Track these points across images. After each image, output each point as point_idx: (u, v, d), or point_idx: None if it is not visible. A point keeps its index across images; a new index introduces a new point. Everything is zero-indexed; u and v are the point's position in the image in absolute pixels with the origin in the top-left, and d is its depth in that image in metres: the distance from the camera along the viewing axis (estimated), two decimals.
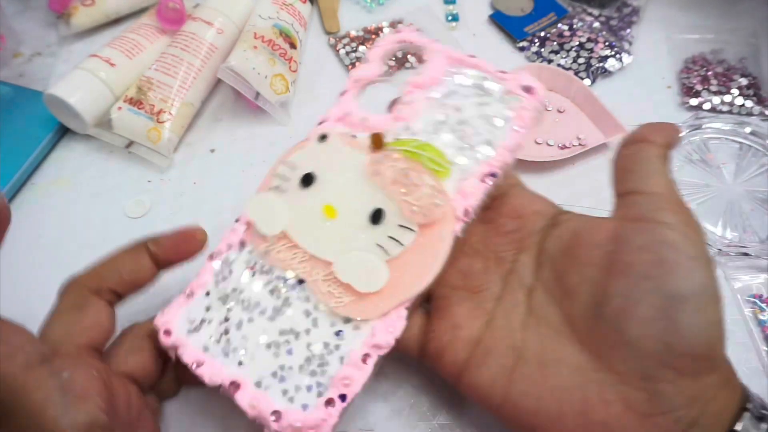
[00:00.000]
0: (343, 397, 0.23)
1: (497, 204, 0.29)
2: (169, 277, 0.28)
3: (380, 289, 0.25)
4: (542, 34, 0.48)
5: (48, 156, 0.41)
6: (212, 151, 0.42)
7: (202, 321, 0.26)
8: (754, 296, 0.35)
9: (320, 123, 0.30)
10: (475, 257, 0.29)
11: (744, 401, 0.23)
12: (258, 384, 0.24)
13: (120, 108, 0.40)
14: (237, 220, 0.28)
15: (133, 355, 0.26)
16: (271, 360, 0.25)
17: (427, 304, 0.29)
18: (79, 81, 0.40)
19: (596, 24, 0.49)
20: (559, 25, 0.49)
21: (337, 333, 0.25)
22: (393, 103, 0.30)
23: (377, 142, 0.28)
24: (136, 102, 0.40)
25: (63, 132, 0.42)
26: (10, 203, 0.39)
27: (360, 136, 0.29)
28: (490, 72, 0.30)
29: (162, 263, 0.28)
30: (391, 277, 0.25)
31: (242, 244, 0.27)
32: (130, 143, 0.41)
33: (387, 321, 0.25)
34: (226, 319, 0.26)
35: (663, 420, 0.22)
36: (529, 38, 0.48)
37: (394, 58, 0.46)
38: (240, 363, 0.25)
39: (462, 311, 0.27)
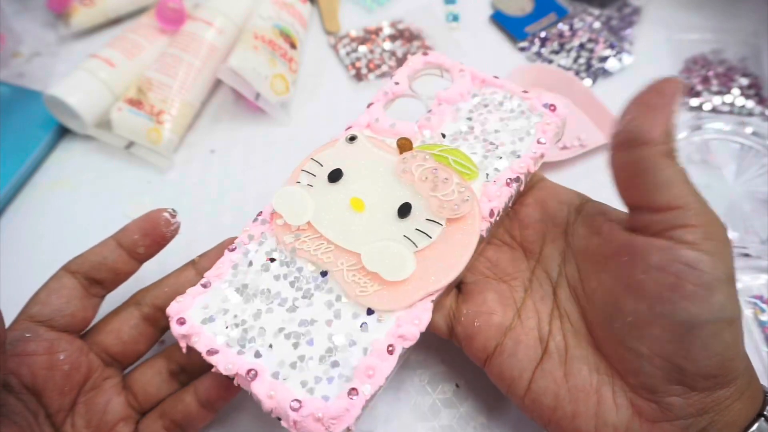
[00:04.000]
0: (366, 388, 0.23)
1: (522, 197, 0.30)
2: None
3: (407, 279, 0.25)
4: (543, 34, 0.48)
5: (48, 156, 0.41)
6: (212, 151, 0.42)
7: (218, 311, 0.25)
8: (755, 297, 0.35)
9: (348, 128, 0.30)
10: (502, 248, 0.29)
11: (763, 407, 0.23)
12: (275, 374, 0.23)
13: (120, 108, 0.40)
14: (259, 214, 0.28)
15: (144, 372, 0.28)
16: (290, 350, 0.24)
17: (456, 287, 0.29)
18: (79, 81, 0.40)
19: (597, 24, 0.49)
20: (560, 25, 0.49)
21: (361, 325, 0.24)
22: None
23: (405, 146, 0.28)
24: (136, 102, 0.40)
25: (63, 132, 0.42)
26: (10, 203, 0.39)
27: (388, 140, 0.29)
28: (513, 91, 0.31)
29: (135, 253, 0.27)
30: (418, 269, 0.25)
31: (264, 237, 0.27)
32: (130, 144, 0.40)
33: (413, 312, 0.24)
34: (243, 311, 0.25)
35: (671, 427, 0.22)
36: (530, 38, 0.48)
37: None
38: (257, 353, 0.24)
39: (494, 297, 0.27)
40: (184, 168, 0.41)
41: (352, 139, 0.29)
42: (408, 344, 0.24)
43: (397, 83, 0.32)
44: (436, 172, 0.27)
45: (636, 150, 0.22)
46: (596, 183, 0.40)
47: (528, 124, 0.30)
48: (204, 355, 0.24)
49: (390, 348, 0.24)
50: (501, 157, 0.29)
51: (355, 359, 0.24)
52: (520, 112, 0.30)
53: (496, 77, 0.32)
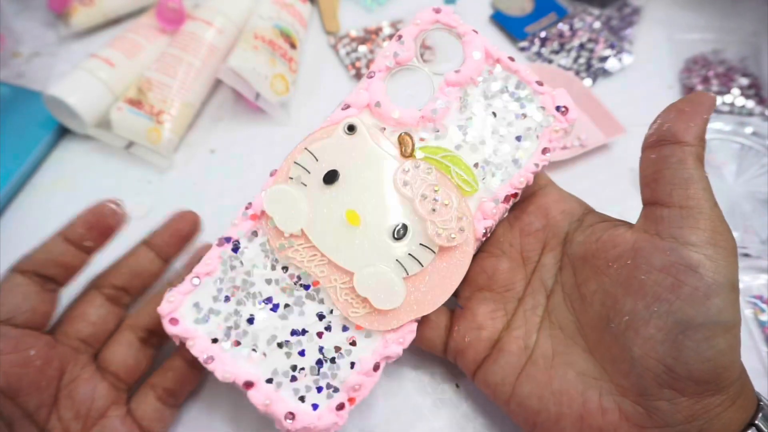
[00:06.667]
0: (351, 401, 0.24)
1: (525, 203, 0.29)
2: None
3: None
4: (543, 34, 0.48)
5: (48, 156, 0.41)
6: (212, 151, 0.42)
7: (210, 311, 0.25)
8: (755, 297, 0.35)
9: (346, 106, 0.27)
10: (501, 258, 0.29)
11: (755, 416, 0.22)
12: (269, 381, 0.24)
13: (120, 108, 0.40)
14: (248, 206, 0.27)
15: (114, 348, 0.28)
16: (283, 360, 0.25)
17: (453, 298, 0.29)
18: (79, 81, 0.40)
19: (597, 24, 0.49)
20: (560, 25, 0.49)
21: (350, 342, 0.25)
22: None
23: (406, 143, 0.27)
24: (135, 102, 0.40)
25: (62, 132, 0.42)
26: (10, 203, 0.39)
27: (388, 131, 0.27)
28: (527, 81, 0.28)
29: (164, 253, 0.29)
30: (407, 294, 0.25)
31: (254, 234, 0.26)
32: (130, 144, 0.40)
33: (399, 333, 0.25)
34: (236, 312, 0.25)
35: None
36: (530, 38, 0.48)
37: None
38: (251, 360, 0.25)
39: (485, 311, 0.28)
40: (184, 168, 0.41)
41: (351, 128, 0.27)
42: (392, 361, 0.25)
43: (402, 45, 0.28)
44: (437, 195, 0.26)
45: (667, 147, 0.23)
46: (596, 183, 0.41)
47: (535, 126, 0.28)
48: (201, 361, 0.25)
49: (376, 365, 0.25)
50: (502, 165, 0.27)
51: (344, 373, 0.25)
52: (530, 110, 0.28)
53: (511, 58, 0.28)
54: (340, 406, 0.24)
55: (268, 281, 0.26)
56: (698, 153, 0.23)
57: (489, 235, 0.27)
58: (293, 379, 0.24)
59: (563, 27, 0.48)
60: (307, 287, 0.26)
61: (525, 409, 0.25)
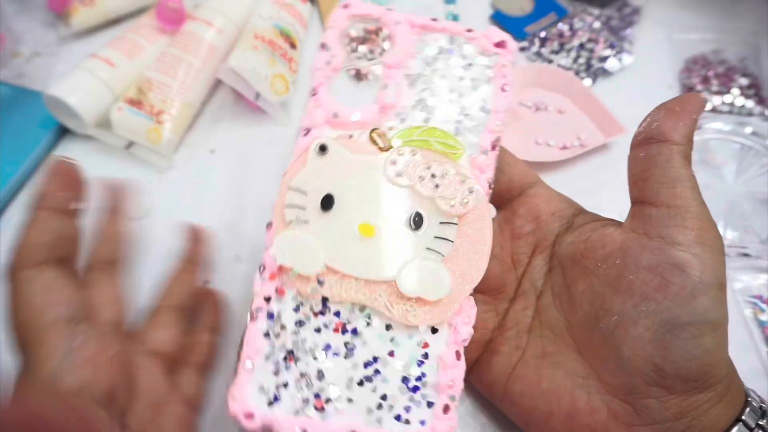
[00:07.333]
0: (453, 398, 0.23)
1: (515, 205, 0.28)
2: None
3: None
4: (543, 34, 0.48)
5: (48, 156, 0.41)
6: (212, 151, 0.42)
7: (278, 387, 0.24)
8: (755, 297, 0.35)
9: (306, 131, 0.27)
10: (493, 261, 0.29)
11: (742, 412, 0.22)
12: (368, 422, 0.23)
13: (120, 108, 0.40)
14: (262, 269, 0.25)
15: (157, 330, 0.27)
16: (370, 395, 0.24)
17: None
18: (79, 81, 0.40)
19: (597, 24, 0.49)
20: (560, 25, 0.49)
21: (422, 344, 0.24)
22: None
23: (382, 141, 0.27)
24: (136, 102, 0.40)
25: (62, 132, 0.42)
26: (9, 204, 0.39)
27: (356, 135, 0.27)
28: (458, 32, 0.28)
29: (71, 211, 0.25)
30: (452, 273, 0.25)
31: (281, 293, 0.25)
32: (130, 144, 0.40)
33: (462, 313, 0.25)
34: (302, 375, 0.24)
35: (647, 431, 0.22)
36: (530, 38, 0.48)
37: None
38: (341, 413, 0.23)
39: (477, 313, 0.27)
40: (184, 168, 0.41)
41: (323, 149, 0.26)
42: (468, 343, 0.24)
43: (329, 51, 0.28)
44: (432, 170, 0.26)
45: (654, 146, 0.23)
46: (596, 183, 0.41)
47: (483, 69, 0.28)
48: None
49: (457, 354, 0.24)
50: (473, 116, 0.27)
51: (431, 378, 0.24)
52: (471, 57, 0.28)
53: (434, 19, 0.28)
54: (446, 409, 0.23)
55: (318, 330, 0.24)
56: (686, 152, 0.23)
57: (493, 186, 0.27)
58: (389, 408, 0.23)
59: (563, 27, 0.48)
60: (356, 317, 0.25)
61: (518, 408, 0.26)
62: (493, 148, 0.27)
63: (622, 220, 0.26)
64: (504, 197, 0.28)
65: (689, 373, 0.21)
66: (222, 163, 0.41)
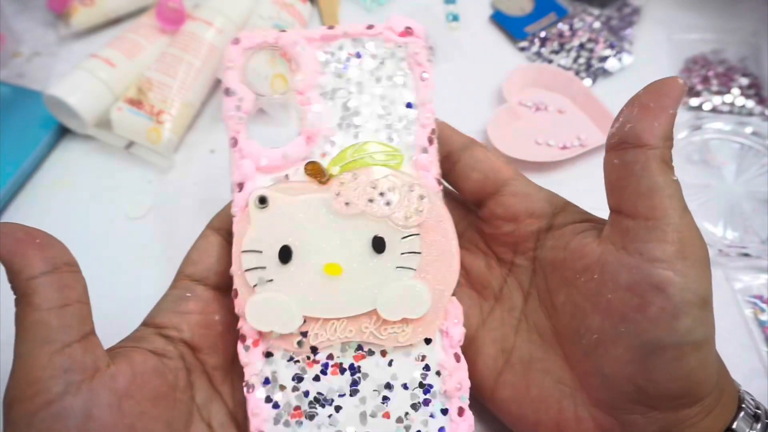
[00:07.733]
0: (464, 398, 0.24)
1: (491, 205, 0.27)
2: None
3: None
4: (542, 34, 0.48)
5: (48, 156, 0.41)
6: (212, 151, 0.42)
7: None
8: (755, 297, 0.35)
9: (240, 186, 0.26)
10: (477, 255, 0.28)
11: (731, 423, 0.22)
12: None
13: (120, 108, 0.40)
14: (243, 339, 0.24)
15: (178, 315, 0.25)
16: (386, 422, 0.24)
17: None
18: (79, 81, 0.40)
19: (597, 24, 0.49)
20: (560, 25, 0.49)
21: (419, 358, 0.25)
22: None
23: (317, 173, 0.25)
24: (136, 102, 0.40)
25: (62, 132, 0.42)
26: (10, 203, 0.39)
27: (291, 174, 0.26)
28: (359, 33, 0.27)
29: None
30: (428, 284, 0.25)
31: (269, 355, 0.25)
32: (130, 144, 0.40)
33: (449, 317, 0.25)
34: (319, 426, 0.24)
35: None
36: (530, 38, 0.48)
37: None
38: None
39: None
40: (184, 168, 0.41)
41: (263, 201, 0.25)
42: (463, 341, 0.25)
43: (235, 95, 0.26)
44: (378, 187, 0.25)
45: (629, 153, 0.22)
46: (596, 183, 0.40)
47: (397, 62, 0.26)
48: None
49: (456, 357, 0.24)
50: (401, 116, 0.26)
51: (438, 386, 0.24)
52: (381, 54, 0.27)
53: (330, 27, 0.27)
54: (461, 412, 0.24)
55: (316, 378, 0.24)
56: (663, 155, 0.21)
57: (442, 180, 0.26)
58: (407, 428, 0.24)
59: (563, 27, 0.48)
60: (351, 355, 0.25)
61: (505, 414, 0.26)
62: (431, 142, 0.26)
63: (595, 220, 0.26)
64: (479, 196, 0.27)
65: (674, 393, 0.21)
66: (222, 163, 0.41)
